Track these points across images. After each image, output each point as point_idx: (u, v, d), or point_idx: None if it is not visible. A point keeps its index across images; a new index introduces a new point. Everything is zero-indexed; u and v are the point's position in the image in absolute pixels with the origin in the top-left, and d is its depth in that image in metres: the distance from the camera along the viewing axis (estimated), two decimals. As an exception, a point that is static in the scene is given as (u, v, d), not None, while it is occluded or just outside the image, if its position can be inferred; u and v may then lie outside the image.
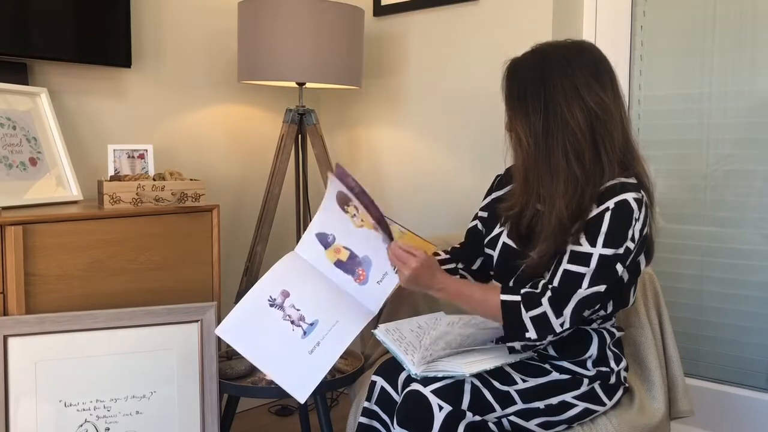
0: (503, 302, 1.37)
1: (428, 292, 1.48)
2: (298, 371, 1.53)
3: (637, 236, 1.36)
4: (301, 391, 1.52)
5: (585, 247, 1.35)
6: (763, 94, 2.05)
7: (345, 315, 1.58)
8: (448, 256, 1.69)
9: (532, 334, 1.35)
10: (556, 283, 1.36)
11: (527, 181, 1.42)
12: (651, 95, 2.22)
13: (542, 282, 1.38)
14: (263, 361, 1.55)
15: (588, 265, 1.34)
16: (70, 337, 1.59)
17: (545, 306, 1.35)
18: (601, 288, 1.35)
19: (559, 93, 1.37)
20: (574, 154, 1.36)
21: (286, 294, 1.60)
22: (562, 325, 1.35)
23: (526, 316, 1.35)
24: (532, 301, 1.36)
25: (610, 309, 1.46)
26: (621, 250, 1.34)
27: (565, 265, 1.36)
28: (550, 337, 1.36)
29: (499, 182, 1.67)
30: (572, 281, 1.35)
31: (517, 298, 1.37)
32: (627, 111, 1.46)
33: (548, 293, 1.36)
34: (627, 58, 2.23)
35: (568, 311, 1.34)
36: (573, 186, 1.36)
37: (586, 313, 1.39)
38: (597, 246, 1.34)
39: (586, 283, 1.34)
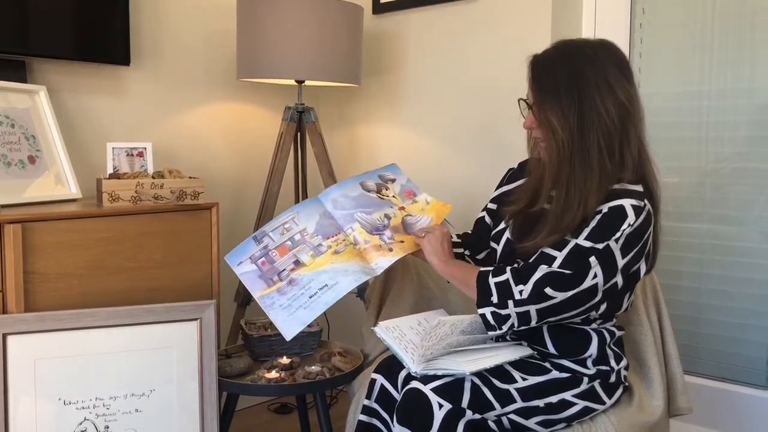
0: (479, 272, 1.44)
1: (437, 262, 1.54)
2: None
3: (623, 239, 1.34)
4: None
5: (567, 237, 1.37)
6: (762, 91, 2.05)
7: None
8: (459, 240, 1.71)
9: (494, 298, 1.39)
10: (531, 261, 1.40)
11: (559, 176, 1.40)
12: (650, 93, 2.22)
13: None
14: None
15: (561, 251, 1.36)
16: (70, 335, 1.59)
17: (508, 274, 1.39)
18: (567, 271, 1.34)
19: (593, 86, 1.36)
20: (607, 149, 1.37)
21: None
22: (521, 292, 1.36)
23: (492, 281, 1.40)
24: (499, 270, 1.42)
25: (602, 309, 1.44)
26: (600, 246, 1.34)
27: (544, 249, 1.39)
28: (510, 304, 1.37)
29: (511, 176, 1.67)
30: (543, 260, 1.38)
31: (491, 268, 1.44)
32: (643, 111, 1.44)
33: (515, 266, 1.41)
34: (626, 56, 2.23)
35: (531, 281, 1.36)
36: (606, 182, 1.37)
37: (553, 292, 1.35)
38: (579, 238, 1.36)
39: (555, 264, 1.35)
